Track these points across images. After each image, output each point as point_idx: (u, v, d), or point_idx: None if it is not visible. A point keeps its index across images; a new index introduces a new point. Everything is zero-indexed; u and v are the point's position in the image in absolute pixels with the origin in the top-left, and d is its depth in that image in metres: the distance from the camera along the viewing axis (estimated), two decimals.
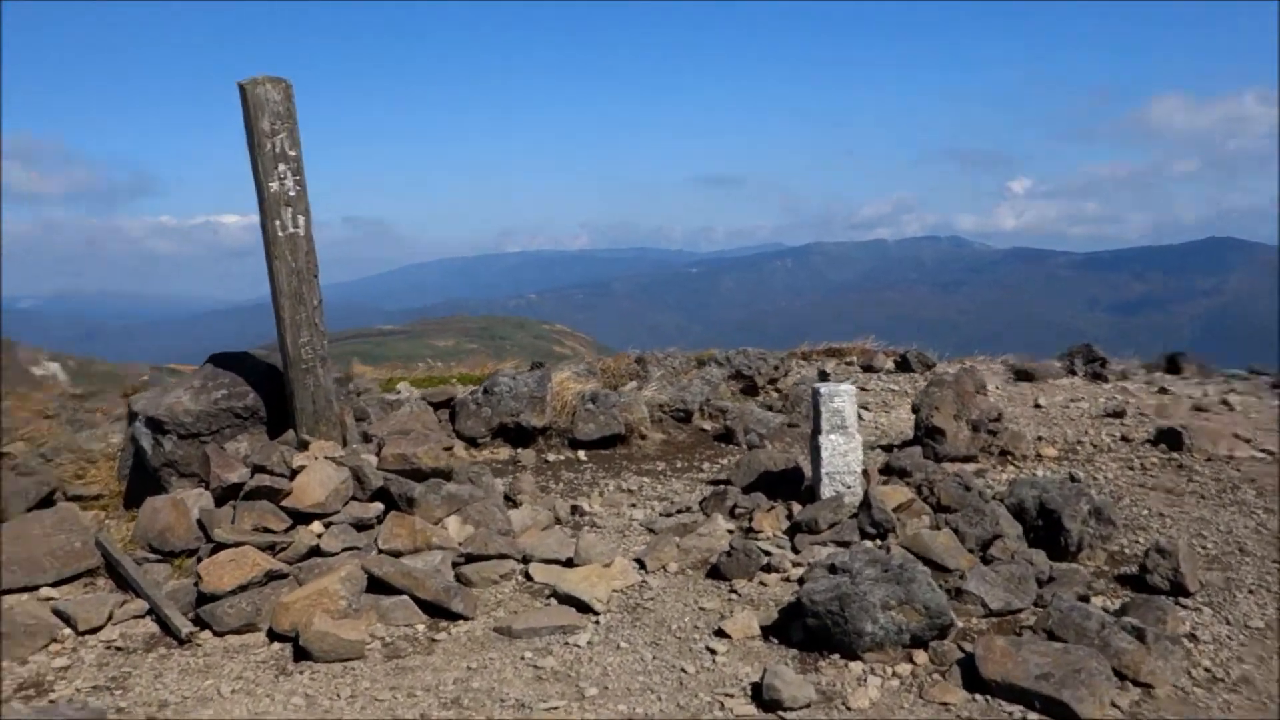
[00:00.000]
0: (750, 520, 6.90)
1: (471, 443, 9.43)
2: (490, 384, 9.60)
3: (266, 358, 7.34)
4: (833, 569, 5.38)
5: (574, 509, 7.53)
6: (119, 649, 5.35)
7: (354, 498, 6.46)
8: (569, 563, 6.33)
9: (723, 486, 7.58)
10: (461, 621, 5.63)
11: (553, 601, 5.88)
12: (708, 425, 9.99)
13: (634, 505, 7.70)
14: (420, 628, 5.56)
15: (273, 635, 5.42)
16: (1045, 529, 6.45)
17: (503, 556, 6.36)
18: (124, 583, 5.98)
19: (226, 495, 6.36)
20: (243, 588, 5.63)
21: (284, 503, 6.24)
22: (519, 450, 9.33)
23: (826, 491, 6.90)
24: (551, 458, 9.13)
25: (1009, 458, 8.61)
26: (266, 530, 6.13)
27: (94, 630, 5.51)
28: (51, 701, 4.75)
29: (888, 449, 8.87)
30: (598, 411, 9.39)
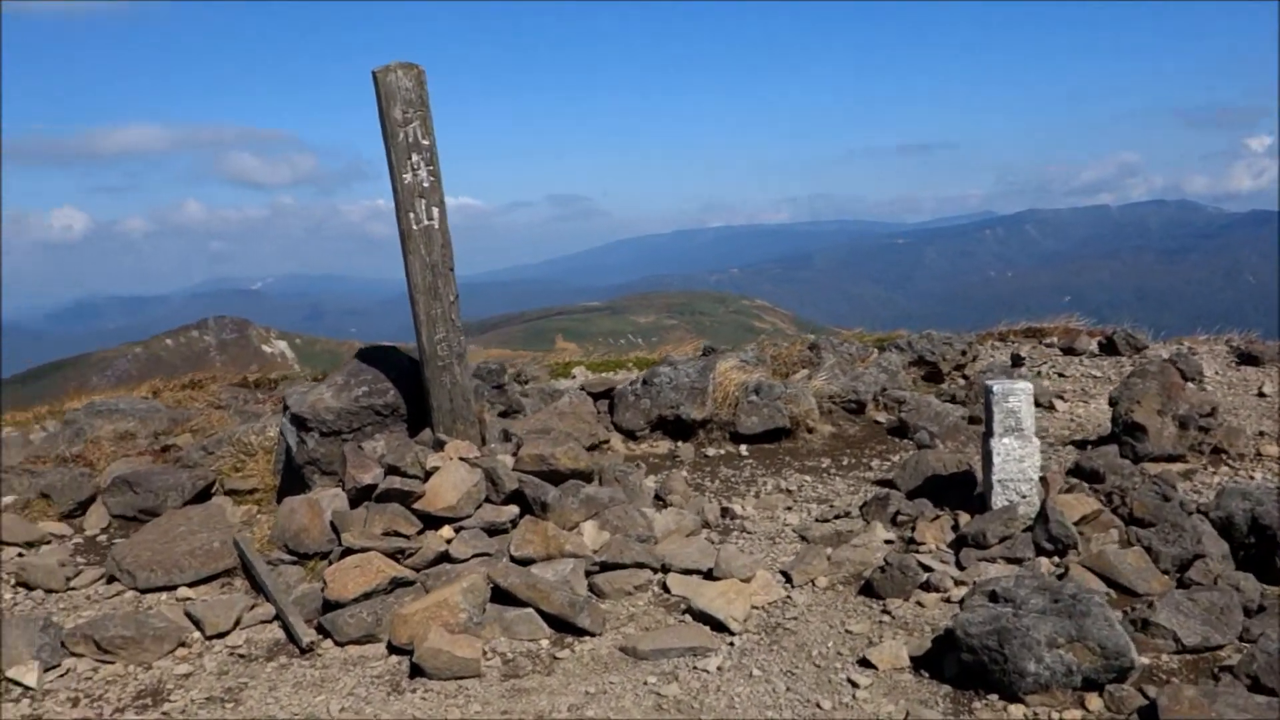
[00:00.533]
0: (913, 530, 6.29)
1: (630, 436, 9.10)
2: (650, 374, 9.24)
3: (412, 353, 7.19)
4: (993, 597, 4.74)
5: (724, 511, 7.09)
6: (241, 656, 5.27)
7: (488, 500, 6.22)
8: (709, 574, 5.89)
9: (886, 490, 6.96)
10: (587, 638, 5.29)
11: (686, 618, 5.46)
12: (882, 417, 9.33)
13: (790, 508, 7.18)
14: (544, 644, 5.25)
15: (392, 648, 5.23)
16: (1257, 548, 5.57)
17: (639, 565, 5.98)
18: (258, 585, 5.93)
19: (361, 496, 6.22)
20: (367, 595, 5.47)
21: (416, 505, 6.05)
22: (678, 444, 8.93)
23: (998, 501, 6.20)
24: (711, 452, 8.70)
25: (1223, 457, 7.62)
26: (397, 534, 5.95)
27: (221, 635, 5.45)
28: (165, 713, 4.68)
29: (1081, 446, 8.02)
30: (761, 403, 8.88)
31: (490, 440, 6.85)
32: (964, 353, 10.91)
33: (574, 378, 14.79)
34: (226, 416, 9.10)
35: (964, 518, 6.32)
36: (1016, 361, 11.07)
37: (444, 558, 5.85)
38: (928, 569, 5.65)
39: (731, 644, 5.14)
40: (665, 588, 5.86)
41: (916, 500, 6.66)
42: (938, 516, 6.38)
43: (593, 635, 5.32)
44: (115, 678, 5.06)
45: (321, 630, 5.44)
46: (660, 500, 7.30)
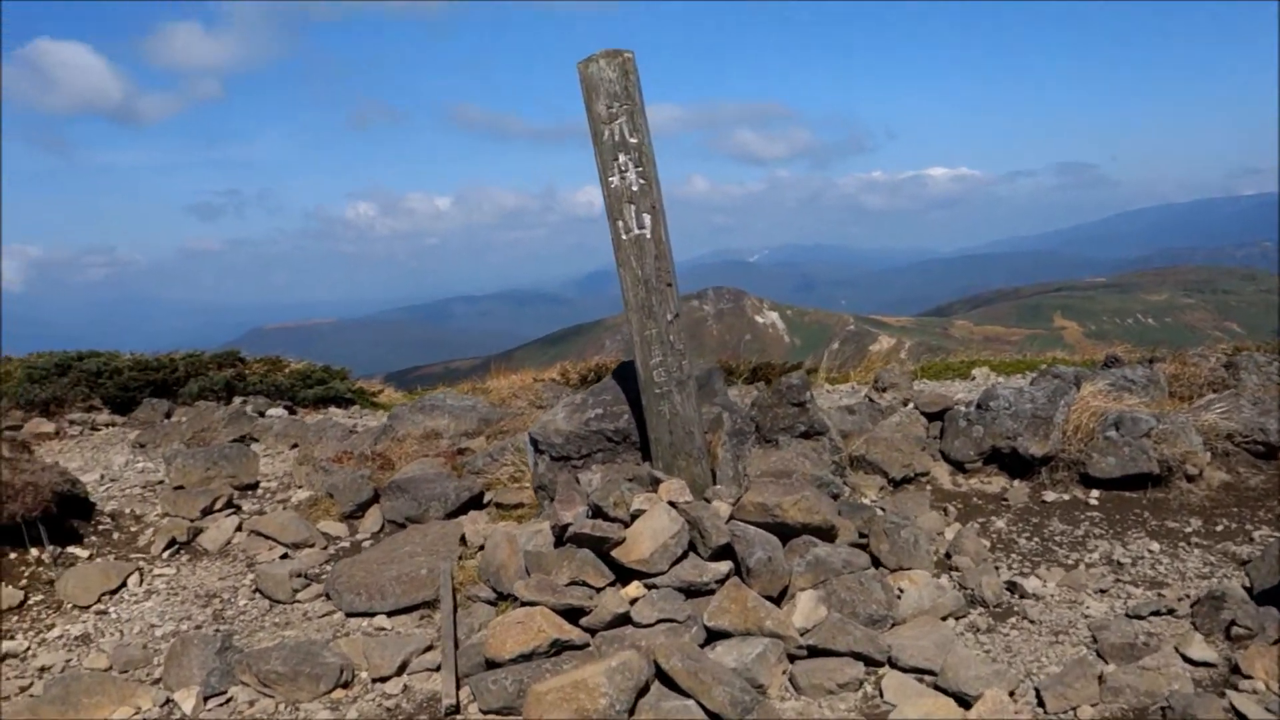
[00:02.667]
0: (1243, 650, 4.52)
1: (958, 468, 7.70)
2: (986, 397, 7.75)
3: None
4: None
5: (1011, 587, 5.63)
6: (389, 709, 4.88)
7: (693, 553, 5.35)
8: (935, 682, 4.61)
9: (1230, 584, 5.13)
10: None
11: None
12: None
13: (1104, 590, 5.56)
14: None
15: None
16: None
17: (854, 656, 4.83)
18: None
19: (563, 534, 5.62)
20: (526, 657, 4.86)
21: (613, 553, 5.34)
22: (1013, 482, 7.41)
23: None
24: (1050, 497, 7.09)
25: None
26: (583, 585, 5.28)
27: (383, 679, 5.11)
28: None
29: None
30: (1120, 441, 7.10)
31: (723, 479, 5.95)
32: None
33: (973, 378, 13.25)
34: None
35: None
36: None
37: (624, 620, 5.09)
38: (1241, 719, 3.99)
39: None
40: (880, 690, 4.67)
41: (1265, 608, 4.82)
42: None
43: None
44: (263, 715, 4.88)
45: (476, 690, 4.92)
46: (948, 562, 6.00)
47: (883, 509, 6.87)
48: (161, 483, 8.23)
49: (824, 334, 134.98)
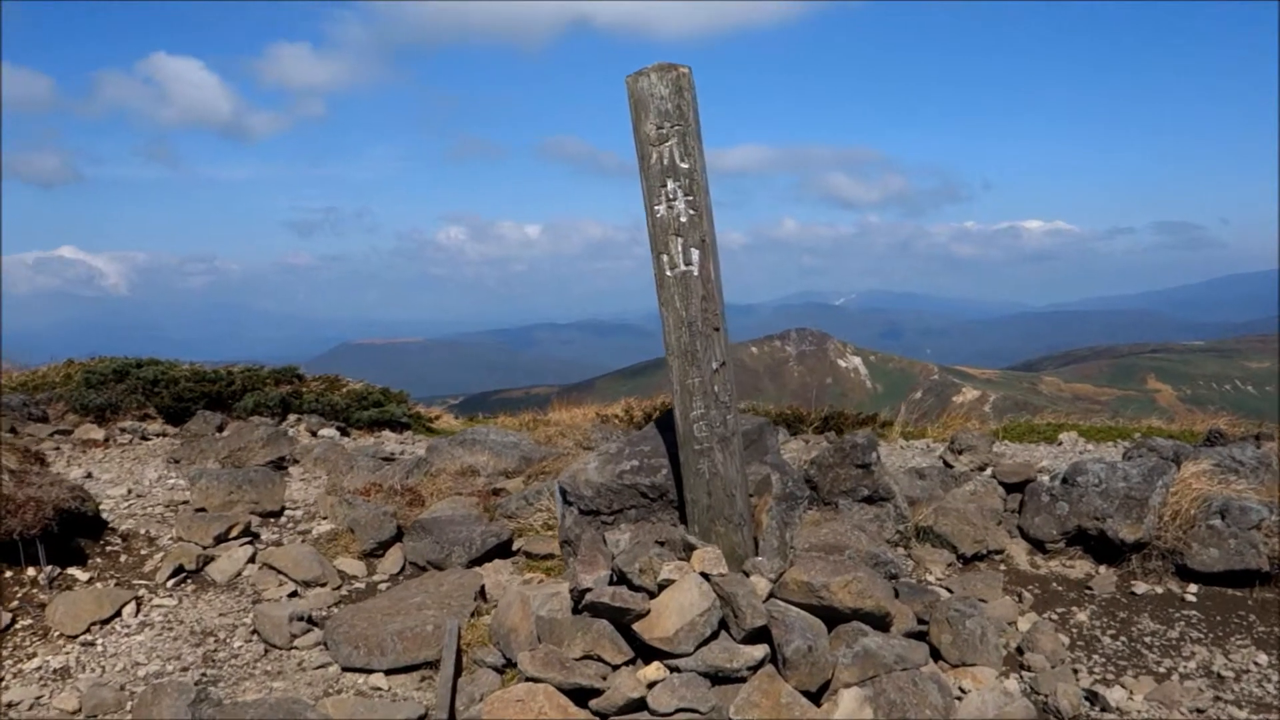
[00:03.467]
0: None
1: (1037, 547, 6.95)
2: (1073, 470, 7.01)
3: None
4: None
5: (1090, 696, 4.89)
6: None
7: (725, 634, 4.73)
8: None
9: None
10: None
11: None
12: None
13: (1200, 710, 4.80)
14: None
15: None
16: None
17: None
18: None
19: (581, 599, 5.04)
20: None
21: (635, 626, 4.74)
22: (1099, 568, 6.64)
23: None
24: (1140, 589, 6.31)
25: None
26: (599, 660, 4.69)
27: None
28: None
29: None
30: (1226, 531, 6.30)
31: (767, 550, 5.31)
32: None
33: (1060, 443, 12.37)
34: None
35: None
36: None
37: (639, 705, 4.49)
38: None
39: None
40: None
41: None
42: None
43: None
44: None
45: None
46: (1019, 660, 5.29)
47: (948, 590, 6.18)
48: (186, 503, 7.85)
49: (907, 382, 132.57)
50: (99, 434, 11.01)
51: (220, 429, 11.60)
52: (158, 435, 11.56)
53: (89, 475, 8.91)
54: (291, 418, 12.91)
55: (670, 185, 4.83)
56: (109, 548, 6.76)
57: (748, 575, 4.92)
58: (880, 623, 4.88)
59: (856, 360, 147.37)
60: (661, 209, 4.87)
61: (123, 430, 11.35)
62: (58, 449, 10.14)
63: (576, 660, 4.68)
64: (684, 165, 4.81)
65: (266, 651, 5.56)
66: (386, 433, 13.19)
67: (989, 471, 8.02)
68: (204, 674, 5.25)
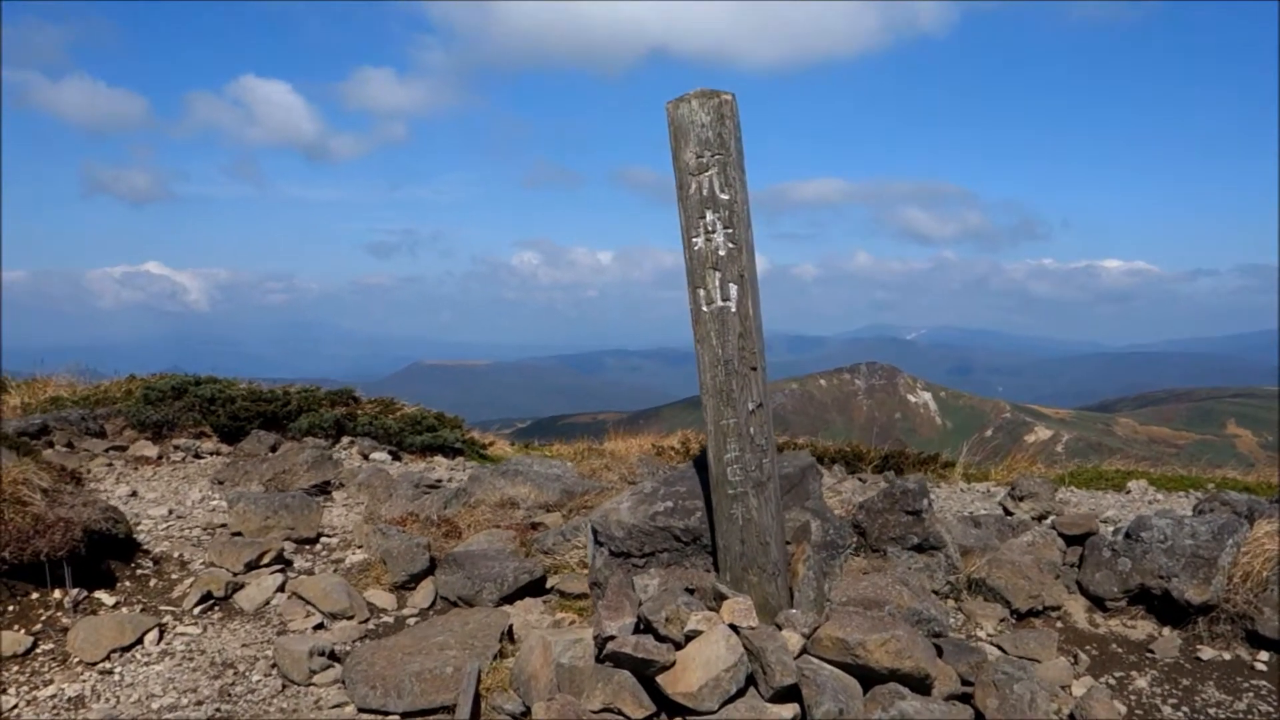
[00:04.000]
0: None
1: (1097, 604, 6.58)
2: (1137, 525, 6.63)
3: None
4: None
5: None
6: None
7: (753, 688, 4.47)
8: None
9: None
10: None
11: None
12: None
13: None
14: None
15: None
16: None
17: None
18: None
19: (604, 647, 4.82)
20: None
21: (659, 678, 4.51)
22: (1163, 630, 6.26)
23: None
24: (1207, 654, 5.92)
25: None
26: (618, 713, 4.46)
27: None
28: None
29: None
30: None
31: (802, 603, 5.04)
32: None
33: (1128, 492, 11.86)
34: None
35: None
36: None
37: None
38: None
39: None
40: None
41: None
42: None
43: None
44: None
45: None
46: None
47: (999, 648, 5.84)
48: (224, 526, 7.78)
49: (978, 419, 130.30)
50: (152, 451, 11.06)
51: (274, 449, 11.59)
52: (211, 454, 11.58)
53: (133, 494, 8.90)
54: (345, 440, 12.89)
55: (709, 217, 4.63)
56: (139, 571, 6.70)
57: (780, 629, 4.66)
58: (920, 685, 4.58)
59: (927, 396, 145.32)
60: (699, 241, 4.67)
61: (177, 448, 11.39)
62: (110, 465, 10.19)
63: (595, 713, 4.46)
64: (724, 196, 4.60)
65: (284, 687, 5.41)
66: (439, 458, 13.09)
67: (1049, 521, 7.64)
68: (217, 709, 5.10)
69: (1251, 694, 5.47)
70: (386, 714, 5.05)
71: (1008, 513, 8.91)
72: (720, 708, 4.37)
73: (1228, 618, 6.11)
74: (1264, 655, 5.88)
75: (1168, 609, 6.29)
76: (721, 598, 4.79)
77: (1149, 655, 5.98)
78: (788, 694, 4.43)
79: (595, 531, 5.60)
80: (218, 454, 11.60)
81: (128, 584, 6.51)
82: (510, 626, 5.80)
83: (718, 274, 4.68)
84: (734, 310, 4.70)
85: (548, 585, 6.66)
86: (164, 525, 7.81)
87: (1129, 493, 11.58)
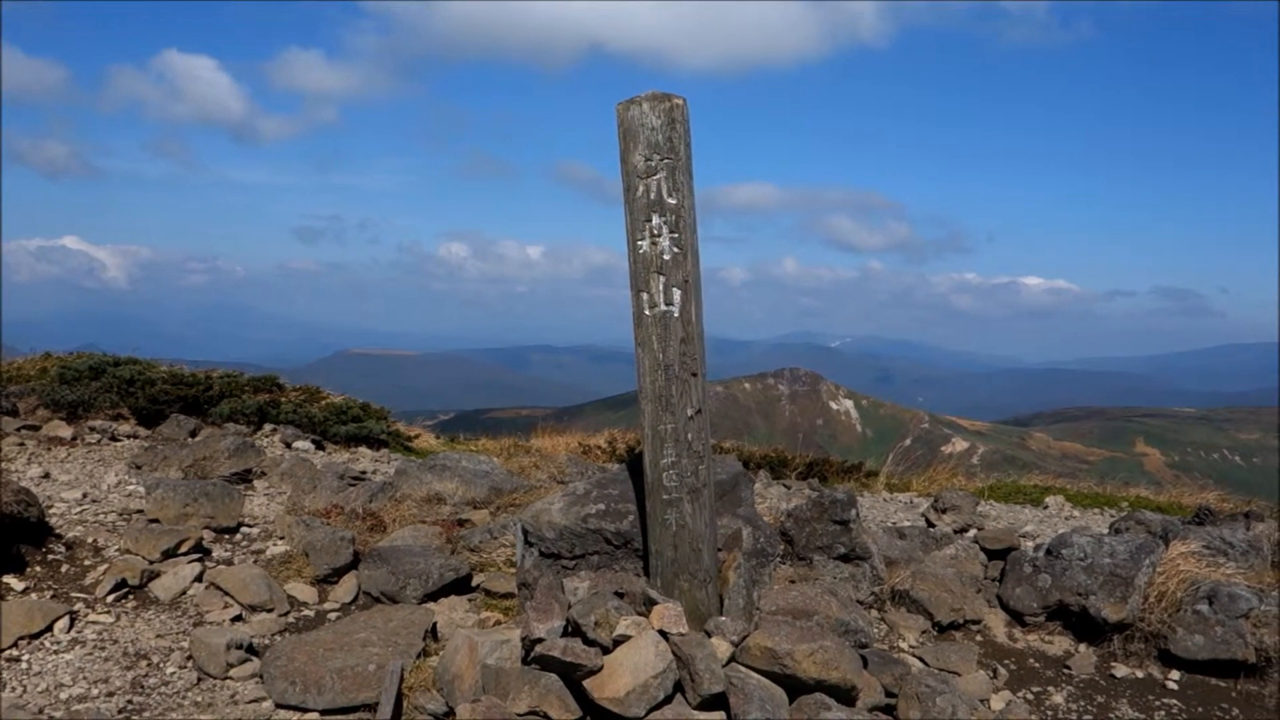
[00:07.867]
0: None
1: (1017, 619, 6.69)
2: (1058, 543, 6.76)
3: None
4: None
5: None
6: None
7: (680, 695, 4.46)
8: None
9: None
10: None
11: None
12: None
13: None
14: None
15: None
16: None
17: None
18: None
19: (532, 649, 4.77)
20: None
21: (586, 682, 4.47)
22: (1080, 646, 6.38)
23: None
24: (1120, 672, 6.05)
25: None
26: (544, 717, 4.42)
27: None
28: None
29: None
30: (1212, 618, 6.05)
31: (731, 610, 5.04)
32: None
33: (1046, 507, 12.10)
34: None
35: None
36: None
37: None
38: None
39: None
40: None
41: None
42: None
43: None
44: None
45: None
46: None
47: (921, 660, 5.91)
48: (140, 512, 7.57)
49: (898, 429, 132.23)
50: (66, 432, 10.72)
51: (194, 434, 11.31)
52: (128, 437, 11.27)
53: (46, 475, 8.63)
54: (268, 428, 12.64)
55: (655, 220, 4.61)
56: (51, 556, 6.48)
57: (709, 636, 4.66)
58: (846, 696, 4.61)
59: (849, 403, 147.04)
60: (645, 244, 4.65)
61: (92, 429, 11.07)
62: (21, 445, 9.87)
63: (520, 716, 4.42)
64: (671, 201, 4.58)
65: (200, 680, 5.26)
66: (363, 449, 12.90)
67: (971, 534, 7.77)
68: (129, 701, 4.95)
69: (1163, 712, 5.60)
70: (306, 711, 4.95)
71: (930, 525, 9.03)
72: (647, 714, 4.35)
73: (1142, 636, 6.26)
74: (1175, 674, 6.03)
75: (1085, 626, 6.42)
76: (652, 603, 4.77)
77: (1065, 671, 6.10)
78: (715, 702, 4.43)
79: (525, 531, 5.55)
80: (135, 437, 11.29)
81: (38, 569, 6.29)
82: (435, 625, 5.72)
83: (662, 278, 4.66)
84: (677, 315, 4.69)
85: (474, 583, 6.59)
86: (78, 509, 7.57)
87: (1047, 508, 11.83)
